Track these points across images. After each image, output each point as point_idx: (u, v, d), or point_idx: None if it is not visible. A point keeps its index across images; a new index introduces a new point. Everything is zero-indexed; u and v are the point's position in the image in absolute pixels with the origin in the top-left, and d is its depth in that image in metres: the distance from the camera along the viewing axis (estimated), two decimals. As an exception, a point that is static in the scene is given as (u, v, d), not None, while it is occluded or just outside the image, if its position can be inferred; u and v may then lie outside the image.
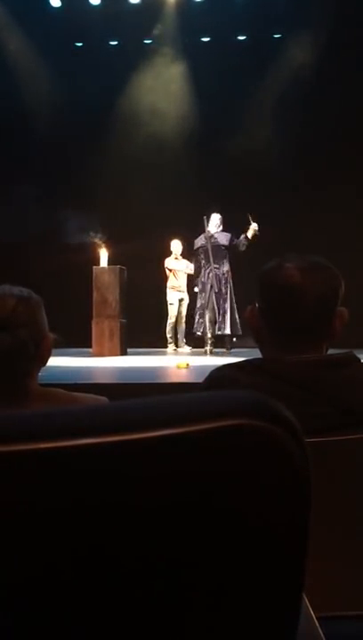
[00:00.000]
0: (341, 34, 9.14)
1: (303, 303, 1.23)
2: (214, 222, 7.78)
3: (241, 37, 10.27)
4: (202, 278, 7.92)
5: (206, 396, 0.39)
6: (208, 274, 7.71)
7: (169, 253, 8.70)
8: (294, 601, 0.39)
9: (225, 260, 7.71)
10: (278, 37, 10.06)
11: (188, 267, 8.73)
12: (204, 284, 7.89)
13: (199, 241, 7.82)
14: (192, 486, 0.36)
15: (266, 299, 1.31)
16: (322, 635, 0.60)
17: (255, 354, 1.37)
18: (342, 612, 1.05)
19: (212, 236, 7.64)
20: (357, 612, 1.07)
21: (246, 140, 9.10)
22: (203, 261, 7.81)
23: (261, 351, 1.37)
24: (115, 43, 10.41)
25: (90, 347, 7.94)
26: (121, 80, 9.92)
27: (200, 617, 0.38)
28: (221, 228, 7.77)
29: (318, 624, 0.61)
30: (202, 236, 7.77)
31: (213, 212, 7.78)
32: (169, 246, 8.69)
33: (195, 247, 7.94)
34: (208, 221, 7.67)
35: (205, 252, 7.67)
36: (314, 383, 1.17)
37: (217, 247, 7.65)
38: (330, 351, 1.31)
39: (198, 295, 8.05)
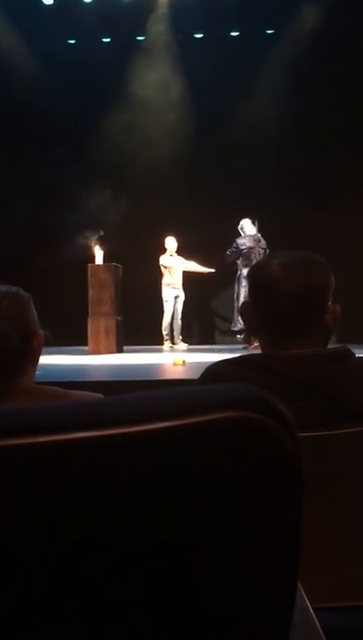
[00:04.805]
0: (335, 25, 9.14)
1: (280, 299, 1.26)
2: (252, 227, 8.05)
3: (234, 33, 10.25)
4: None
5: (200, 390, 0.40)
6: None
7: (164, 250, 8.69)
8: (289, 591, 0.40)
9: None
10: (271, 33, 10.05)
11: (183, 263, 8.73)
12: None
13: (246, 242, 8.01)
14: (186, 479, 0.36)
15: (251, 294, 1.36)
16: (318, 625, 0.61)
17: None
18: (339, 602, 1.05)
19: (260, 239, 7.89)
20: (353, 603, 1.08)
21: (243, 135, 9.09)
22: (244, 262, 7.95)
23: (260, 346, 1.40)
24: (108, 39, 10.37)
25: (86, 344, 7.94)
26: (114, 77, 9.88)
27: (190, 613, 0.38)
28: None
29: (314, 615, 0.62)
30: (249, 237, 7.98)
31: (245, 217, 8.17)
32: (164, 243, 8.68)
33: (240, 247, 8.13)
34: (255, 225, 7.92)
35: (251, 253, 7.83)
36: (309, 378, 1.18)
37: (263, 250, 7.86)
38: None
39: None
